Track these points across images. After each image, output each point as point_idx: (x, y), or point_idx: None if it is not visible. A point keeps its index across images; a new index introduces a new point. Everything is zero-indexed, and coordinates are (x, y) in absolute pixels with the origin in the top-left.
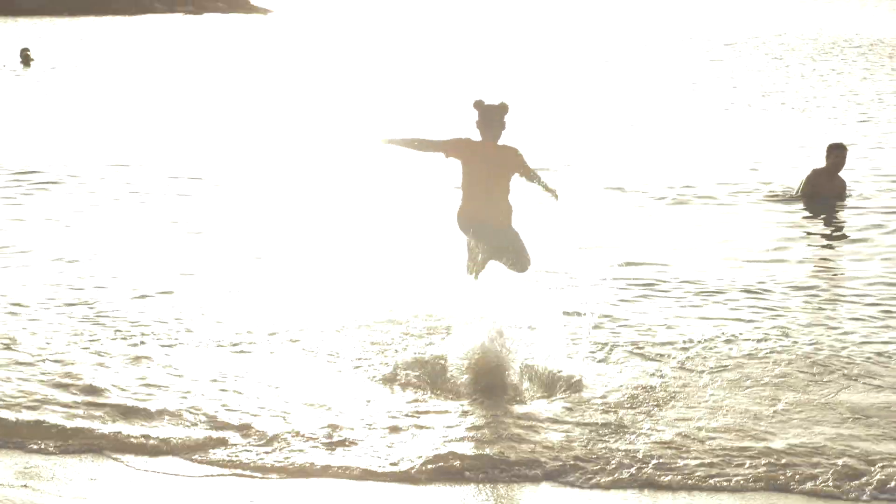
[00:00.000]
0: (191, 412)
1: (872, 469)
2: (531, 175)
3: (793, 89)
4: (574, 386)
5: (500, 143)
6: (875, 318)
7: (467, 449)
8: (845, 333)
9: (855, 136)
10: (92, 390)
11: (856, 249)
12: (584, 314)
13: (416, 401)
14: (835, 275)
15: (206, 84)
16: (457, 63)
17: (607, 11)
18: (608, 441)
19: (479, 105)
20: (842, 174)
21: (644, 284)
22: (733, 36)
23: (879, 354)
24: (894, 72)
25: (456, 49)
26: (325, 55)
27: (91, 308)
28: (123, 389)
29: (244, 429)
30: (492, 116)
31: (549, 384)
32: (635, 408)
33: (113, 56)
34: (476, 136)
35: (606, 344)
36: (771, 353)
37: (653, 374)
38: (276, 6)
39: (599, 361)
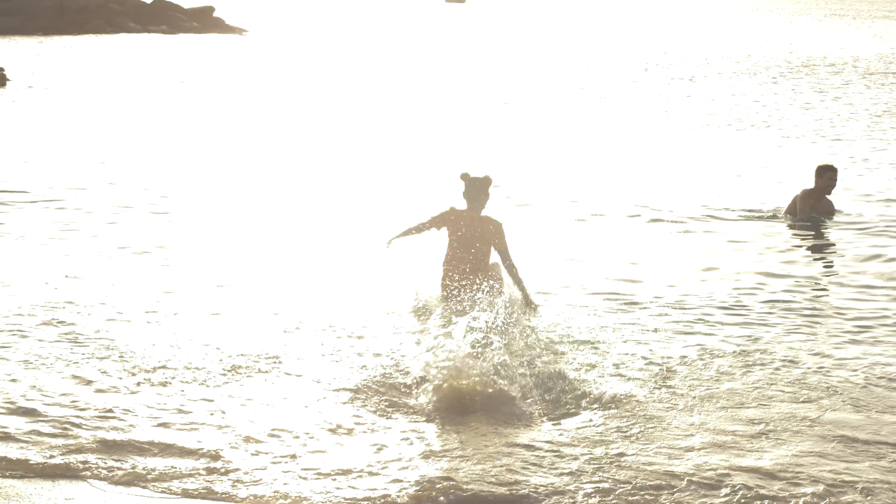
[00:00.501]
0: (166, 439)
1: (859, 494)
2: (506, 256)
3: (767, 108)
4: (558, 410)
5: (484, 213)
6: (854, 334)
7: (449, 476)
8: (828, 353)
9: (828, 155)
10: (65, 414)
11: (837, 268)
12: (565, 335)
13: (398, 427)
14: (816, 294)
15: (183, 103)
16: (432, 81)
17: (580, 27)
18: (594, 467)
19: (465, 178)
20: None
21: (626, 302)
22: (707, 53)
23: (855, 371)
24: (868, 89)
25: (431, 66)
26: (302, 75)
27: (67, 329)
28: (100, 413)
29: (218, 456)
30: (477, 188)
31: (533, 409)
32: (621, 431)
33: (89, 75)
34: (462, 203)
35: (586, 365)
36: (753, 372)
37: (636, 397)
38: (252, 26)
39: (581, 382)
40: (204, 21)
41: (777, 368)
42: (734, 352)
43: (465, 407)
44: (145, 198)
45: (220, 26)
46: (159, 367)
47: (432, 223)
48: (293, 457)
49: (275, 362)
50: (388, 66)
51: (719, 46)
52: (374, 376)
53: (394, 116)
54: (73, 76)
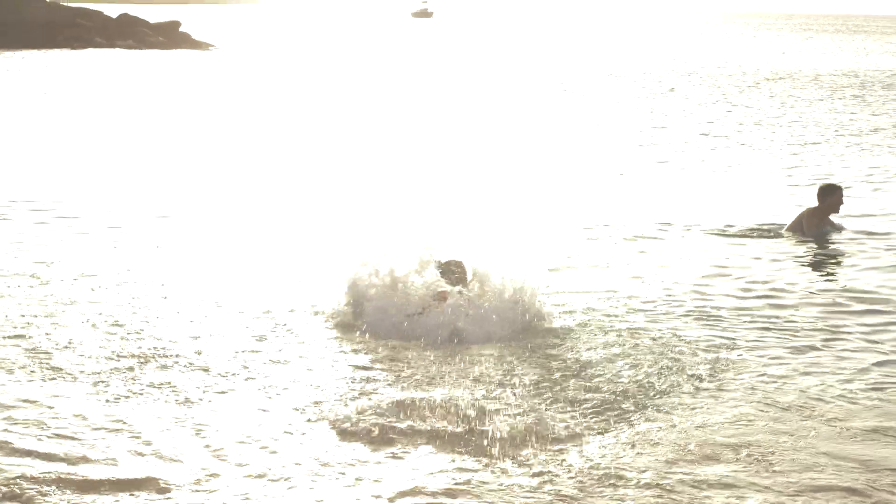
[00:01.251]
0: (130, 470)
1: None
2: None
3: (734, 122)
4: (537, 430)
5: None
6: (835, 353)
7: None
8: (809, 371)
9: (801, 169)
10: (23, 439)
11: (847, 283)
12: (548, 351)
13: (374, 457)
14: (820, 310)
15: (152, 117)
16: (403, 94)
17: (546, 40)
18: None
19: (439, 266)
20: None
21: (610, 315)
22: (674, 67)
23: (841, 389)
24: (833, 103)
25: (402, 79)
26: (273, 90)
27: (31, 345)
28: (59, 438)
29: (172, 488)
30: (451, 272)
31: (518, 433)
32: (612, 456)
33: (56, 90)
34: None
35: (562, 382)
36: (732, 390)
37: (618, 416)
38: (219, 41)
39: (553, 400)
40: (170, 36)
41: (759, 388)
42: (715, 368)
43: (459, 436)
44: (114, 210)
45: (186, 41)
46: (128, 388)
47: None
48: (263, 494)
49: (245, 380)
50: (358, 80)
51: (687, 60)
52: (349, 395)
53: (367, 128)
54: (41, 91)
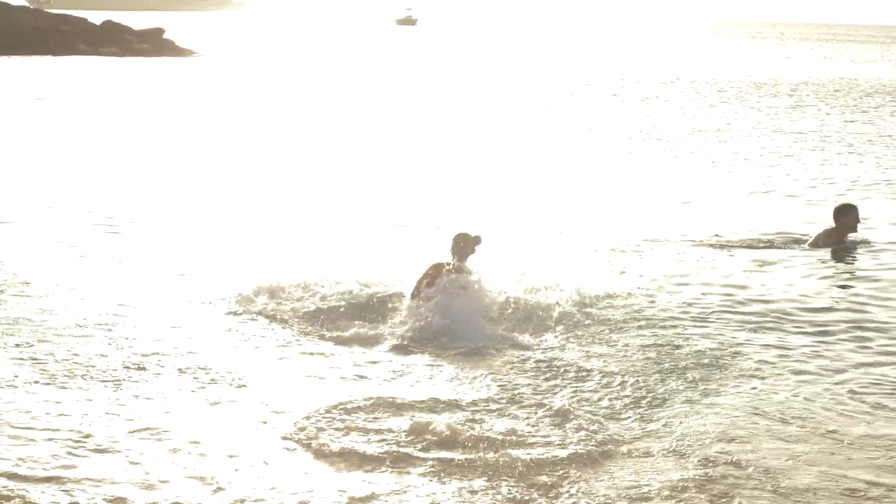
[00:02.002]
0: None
1: None
2: None
3: (715, 130)
4: (528, 439)
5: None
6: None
7: None
8: (808, 381)
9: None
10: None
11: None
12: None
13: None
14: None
15: (132, 125)
16: (388, 101)
17: (530, 48)
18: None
19: (463, 238)
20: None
21: (609, 327)
22: (663, 77)
23: (841, 401)
24: (817, 111)
25: (387, 86)
26: (260, 97)
27: (33, 354)
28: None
29: None
30: (465, 247)
31: (521, 452)
32: (623, 475)
33: (42, 95)
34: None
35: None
36: (733, 399)
37: (622, 429)
38: (203, 48)
39: (554, 413)
40: (154, 43)
41: (761, 399)
42: (717, 376)
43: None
44: (96, 215)
45: (171, 48)
46: (110, 400)
47: (427, 283)
48: None
49: (232, 392)
50: (343, 87)
51: (671, 69)
52: (339, 411)
53: (353, 135)
54: (26, 96)
